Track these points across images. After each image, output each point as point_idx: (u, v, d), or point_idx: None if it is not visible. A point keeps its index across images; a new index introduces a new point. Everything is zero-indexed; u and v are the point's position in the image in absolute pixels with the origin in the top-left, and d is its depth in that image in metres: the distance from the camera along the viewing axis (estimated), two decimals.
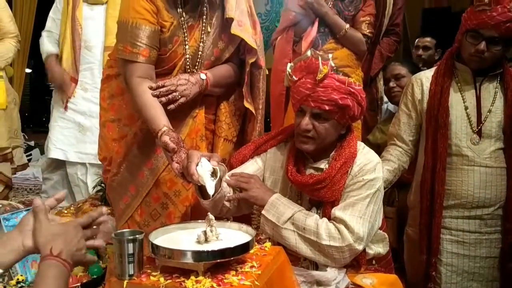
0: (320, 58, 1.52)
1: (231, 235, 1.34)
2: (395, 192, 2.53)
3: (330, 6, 2.32)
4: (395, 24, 2.69)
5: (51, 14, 3.14)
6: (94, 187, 2.83)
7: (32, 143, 6.09)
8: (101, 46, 2.99)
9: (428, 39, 3.23)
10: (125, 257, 1.19)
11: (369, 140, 2.66)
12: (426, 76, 2.09)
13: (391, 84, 2.64)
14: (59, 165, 3.11)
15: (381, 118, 2.79)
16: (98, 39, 3.00)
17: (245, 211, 1.73)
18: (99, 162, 2.62)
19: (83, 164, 3.04)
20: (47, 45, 3.09)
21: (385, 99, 2.82)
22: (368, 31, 2.35)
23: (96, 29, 3.00)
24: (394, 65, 2.69)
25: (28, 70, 7.69)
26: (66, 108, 3.03)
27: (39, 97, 9.55)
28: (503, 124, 1.95)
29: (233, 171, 1.72)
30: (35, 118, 8.42)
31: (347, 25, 2.30)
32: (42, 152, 5.81)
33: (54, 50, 3.07)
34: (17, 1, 5.62)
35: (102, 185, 2.76)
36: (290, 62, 1.98)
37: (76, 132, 3.04)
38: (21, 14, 5.57)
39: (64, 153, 3.04)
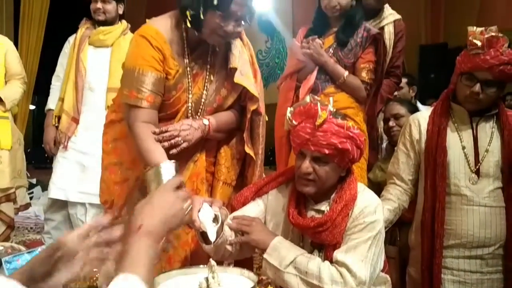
0: (319, 104, 1.56)
1: (232, 281, 1.35)
2: (396, 231, 2.53)
3: (330, 54, 2.39)
4: (395, 66, 2.76)
5: (60, 58, 3.26)
6: None
7: (34, 180, 6.10)
8: (105, 87, 3.06)
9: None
10: None
11: (369, 178, 2.68)
12: (423, 116, 2.13)
13: (391, 123, 2.68)
14: (61, 205, 3.13)
15: (381, 156, 2.82)
16: (101, 80, 3.07)
17: (247, 254, 1.74)
18: (99, 203, 2.65)
19: (83, 204, 3.06)
20: (51, 98, 3.23)
21: (385, 137, 2.86)
22: (368, 77, 2.41)
23: (100, 71, 3.08)
24: (393, 105, 2.73)
25: (32, 107, 7.79)
26: (66, 147, 3.07)
27: (41, 133, 9.60)
28: (500, 164, 1.97)
29: (235, 213, 1.73)
30: (37, 154, 8.46)
31: (346, 73, 2.36)
32: (44, 189, 5.83)
33: (53, 107, 3.19)
34: (23, 38, 5.77)
35: None
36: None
37: (77, 172, 3.07)
38: (26, 51, 5.71)
39: (64, 193, 3.06)
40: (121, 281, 0.86)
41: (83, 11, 3.30)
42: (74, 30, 3.25)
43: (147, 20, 1.76)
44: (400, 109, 2.67)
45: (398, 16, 2.78)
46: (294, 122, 1.63)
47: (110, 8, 3.12)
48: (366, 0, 2.66)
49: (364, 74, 2.40)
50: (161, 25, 1.71)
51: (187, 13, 1.63)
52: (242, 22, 1.68)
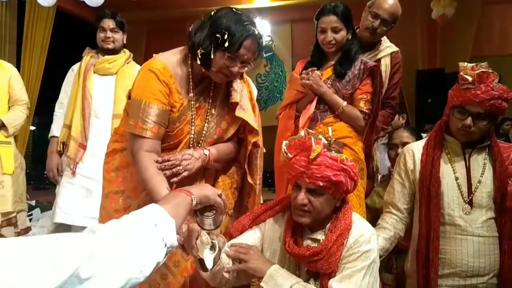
0: (313, 138, 1.61)
1: None
2: (392, 259, 2.57)
3: (329, 85, 2.46)
4: (391, 97, 2.81)
5: (63, 86, 3.33)
6: None
7: (33, 202, 6.12)
8: (110, 114, 3.14)
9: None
10: None
11: (367, 204, 2.72)
12: (417, 147, 2.18)
13: (399, 150, 2.67)
14: (65, 230, 3.14)
15: (376, 184, 2.87)
16: (107, 107, 3.15)
17: (244, 282, 1.77)
18: None
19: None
20: (54, 125, 3.30)
21: (380, 168, 2.91)
22: (365, 108, 2.47)
23: (105, 98, 3.16)
24: (404, 132, 2.80)
25: (32, 128, 7.85)
26: (74, 173, 3.12)
27: (40, 153, 9.64)
28: (493, 194, 2.01)
29: (232, 241, 1.77)
30: (36, 176, 8.48)
31: (345, 103, 2.43)
32: (43, 211, 5.84)
33: (58, 134, 3.24)
34: (25, 59, 5.87)
35: None
36: (291, 135, 2.11)
37: (83, 197, 3.12)
38: (28, 74, 5.80)
39: (71, 218, 3.10)
40: (147, 208, 1.04)
41: (85, 36, 3.39)
42: (75, 52, 3.33)
43: (154, 54, 1.84)
44: (410, 138, 2.72)
45: (395, 49, 2.84)
46: (289, 155, 1.68)
47: (118, 37, 3.23)
48: (362, 33, 2.74)
49: (362, 104, 2.46)
50: (169, 61, 1.79)
51: (198, 51, 1.71)
52: (247, 65, 1.76)
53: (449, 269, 2.01)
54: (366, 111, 2.48)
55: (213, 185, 1.93)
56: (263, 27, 6.91)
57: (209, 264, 1.44)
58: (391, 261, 2.58)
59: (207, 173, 1.90)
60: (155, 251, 0.96)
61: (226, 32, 1.67)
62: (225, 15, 1.72)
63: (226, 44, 1.67)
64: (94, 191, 3.07)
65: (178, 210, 1.11)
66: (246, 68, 1.79)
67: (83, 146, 3.13)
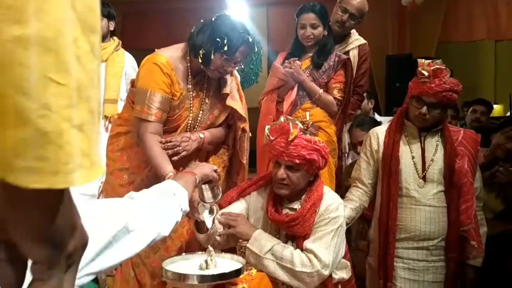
0: (291, 123, 1.92)
1: (226, 263, 1.70)
2: (365, 228, 2.92)
3: (307, 74, 2.77)
4: (358, 86, 3.12)
5: None
6: None
7: None
8: (101, 99, 3.34)
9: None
10: None
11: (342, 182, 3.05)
12: (381, 130, 2.51)
13: (359, 149, 3.00)
14: None
15: (345, 164, 3.20)
16: None
17: (232, 244, 2.08)
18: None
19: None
20: None
21: (347, 149, 3.25)
22: (339, 95, 2.79)
23: None
24: (357, 132, 3.16)
25: None
26: None
27: None
28: (443, 171, 2.35)
29: (222, 210, 2.07)
30: None
31: (321, 90, 2.75)
32: None
33: None
34: None
35: None
36: (273, 118, 2.42)
37: None
38: None
39: None
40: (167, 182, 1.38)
41: None
42: None
43: (156, 49, 2.13)
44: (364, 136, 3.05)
45: (363, 41, 3.14)
46: (271, 137, 1.99)
47: (101, 25, 3.39)
48: (332, 26, 3.05)
49: (335, 92, 2.79)
50: (171, 56, 2.08)
51: (200, 52, 2.01)
52: (238, 66, 2.09)
53: (405, 234, 2.36)
54: (339, 98, 2.80)
55: None
56: (239, 10, 7.08)
57: (208, 224, 1.74)
58: (364, 230, 2.93)
59: (199, 154, 2.20)
60: (175, 213, 1.26)
61: (226, 38, 1.96)
62: (224, 22, 2.03)
63: (225, 48, 1.97)
64: None
65: (187, 186, 1.42)
66: (237, 68, 2.12)
67: None
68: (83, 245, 0.51)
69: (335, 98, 2.78)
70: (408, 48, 7.35)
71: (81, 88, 0.44)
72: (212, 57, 2.00)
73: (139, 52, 2.19)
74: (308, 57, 2.83)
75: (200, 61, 2.03)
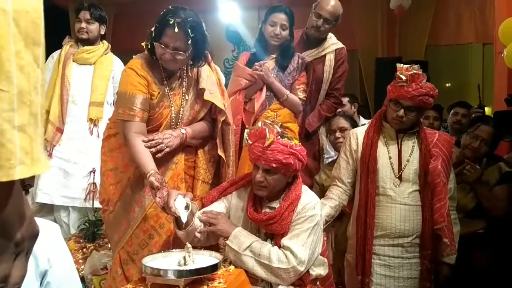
0: (267, 129, 2.00)
1: (203, 259, 1.78)
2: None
3: (274, 76, 2.89)
4: (335, 89, 3.22)
5: None
6: (79, 226, 3.22)
7: None
8: (87, 101, 3.39)
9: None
10: None
11: (316, 180, 3.14)
12: (360, 131, 2.60)
13: (337, 134, 3.13)
14: (49, 210, 3.41)
15: (322, 165, 3.28)
16: (84, 95, 3.39)
17: (212, 242, 2.16)
18: (81, 206, 3.04)
19: (66, 207, 3.37)
20: None
21: (325, 150, 3.34)
22: (302, 96, 2.96)
23: (83, 86, 3.40)
24: (340, 119, 3.20)
25: None
26: (50, 155, 3.33)
27: None
28: (418, 171, 2.44)
29: (204, 209, 2.15)
30: None
31: (288, 92, 2.88)
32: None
33: None
34: None
35: (86, 224, 3.15)
36: (241, 118, 2.51)
37: (61, 178, 3.35)
38: None
39: (50, 197, 3.34)
40: None
41: (63, 26, 3.59)
42: (54, 43, 3.51)
43: (133, 56, 2.23)
44: (345, 123, 3.15)
45: (340, 45, 3.23)
46: (249, 141, 2.07)
47: (93, 29, 3.46)
48: (309, 31, 3.15)
49: (300, 93, 2.96)
50: (145, 58, 2.20)
51: (143, 44, 2.14)
52: (180, 52, 2.09)
53: (381, 231, 2.44)
54: (303, 98, 2.97)
55: (194, 161, 2.32)
56: (231, 13, 7.16)
57: (183, 219, 1.82)
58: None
59: (187, 150, 2.29)
60: None
61: (156, 25, 2.08)
62: (164, 11, 2.10)
63: (153, 34, 2.08)
64: (70, 172, 3.35)
65: None
66: (180, 56, 2.09)
67: (60, 130, 3.36)
68: (33, 235, 0.58)
69: (300, 98, 2.93)
70: (398, 51, 7.46)
71: (23, 93, 0.51)
72: (149, 46, 2.12)
73: (131, 53, 2.27)
74: (271, 58, 2.97)
75: (146, 52, 2.16)
